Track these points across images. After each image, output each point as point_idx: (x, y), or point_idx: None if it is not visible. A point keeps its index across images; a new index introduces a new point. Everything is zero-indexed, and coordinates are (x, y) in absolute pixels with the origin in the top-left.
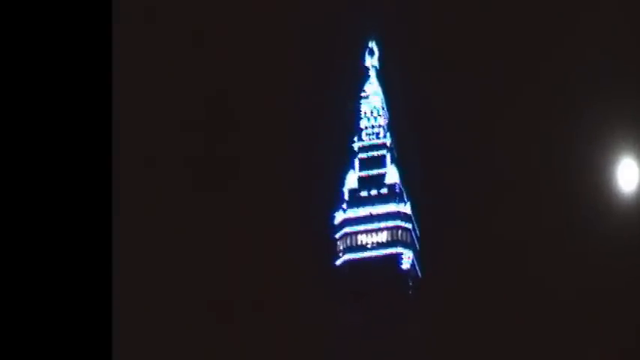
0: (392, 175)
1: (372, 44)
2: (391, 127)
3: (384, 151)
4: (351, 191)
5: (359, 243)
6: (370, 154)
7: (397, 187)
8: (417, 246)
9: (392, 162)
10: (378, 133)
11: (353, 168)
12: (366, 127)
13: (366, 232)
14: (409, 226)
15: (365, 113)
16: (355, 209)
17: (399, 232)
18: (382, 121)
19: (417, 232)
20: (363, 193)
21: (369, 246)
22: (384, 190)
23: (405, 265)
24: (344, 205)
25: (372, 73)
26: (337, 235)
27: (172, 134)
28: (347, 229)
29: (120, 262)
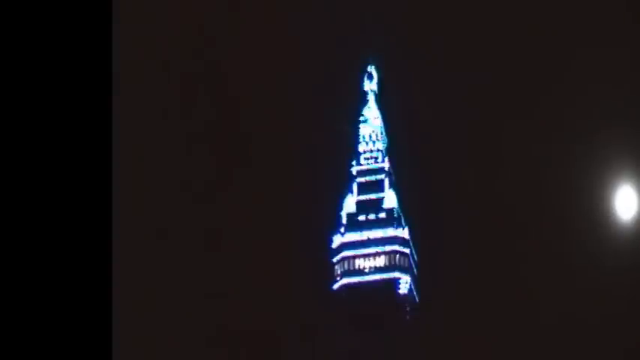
0: (390, 199)
1: (371, 68)
2: (390, 151)
3: (382, 176)
4: (349, 215)
5: (356, 267)
6: (368, 178)
7: (395, 211)
8: (415, 271)
9: (390, 186)
10: (376, 158)
11: (351, 192)
12: (365, 152)
13: (364, 256)
14: (407, 250)
15: (363, 137)
16: (353, 233)
17: (397, 256)
18: (380, 145)
19: (415, 257)
20: (361, 217)
21: (366, 270)
22: (382, 215)
23: (403, 289)
24: (342, 229)
25: (371, 97)
26: (335, 259)
27: (171, 144)
28: (345, 253)
29: (120, 263)
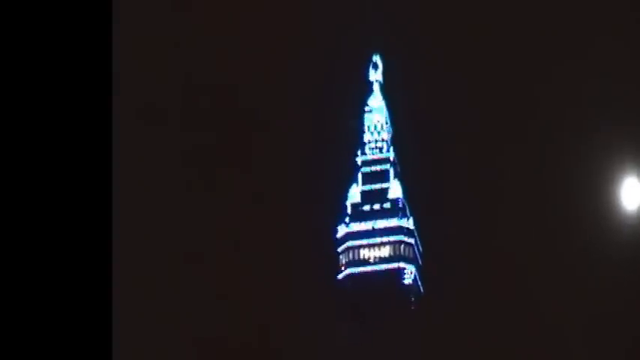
0: (395, 189)
1: (377, 58)
2: (395, 141)
3: (387, 166)
4: (354, 205)
5: (361, 257)
6: (373, 168)
7: (400, 201)
8: (420, 261)
9: (395, 177)
10: (381, 148)
11: (356, 182)
12: (370, 142)
13: (369, 246)
14: (412, 241)
15: (368, 127)
16: (358, 223)
17: (402, 247)
18: (385, 135)
19: (420, 247)
20: (366, 208)
21: (371, 260)
22: (387, 205)
23: (407, 280)
24: (346, 219)
25: (376, 87)
26: (339, 249)
27: (172, 138)
28: (349, 243)
29: (120, 263)
